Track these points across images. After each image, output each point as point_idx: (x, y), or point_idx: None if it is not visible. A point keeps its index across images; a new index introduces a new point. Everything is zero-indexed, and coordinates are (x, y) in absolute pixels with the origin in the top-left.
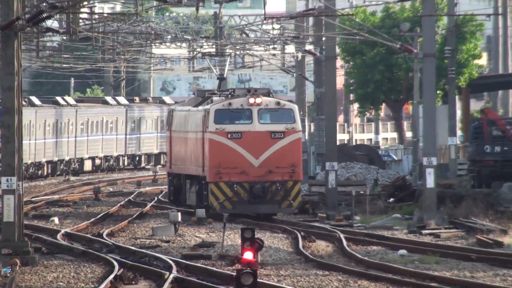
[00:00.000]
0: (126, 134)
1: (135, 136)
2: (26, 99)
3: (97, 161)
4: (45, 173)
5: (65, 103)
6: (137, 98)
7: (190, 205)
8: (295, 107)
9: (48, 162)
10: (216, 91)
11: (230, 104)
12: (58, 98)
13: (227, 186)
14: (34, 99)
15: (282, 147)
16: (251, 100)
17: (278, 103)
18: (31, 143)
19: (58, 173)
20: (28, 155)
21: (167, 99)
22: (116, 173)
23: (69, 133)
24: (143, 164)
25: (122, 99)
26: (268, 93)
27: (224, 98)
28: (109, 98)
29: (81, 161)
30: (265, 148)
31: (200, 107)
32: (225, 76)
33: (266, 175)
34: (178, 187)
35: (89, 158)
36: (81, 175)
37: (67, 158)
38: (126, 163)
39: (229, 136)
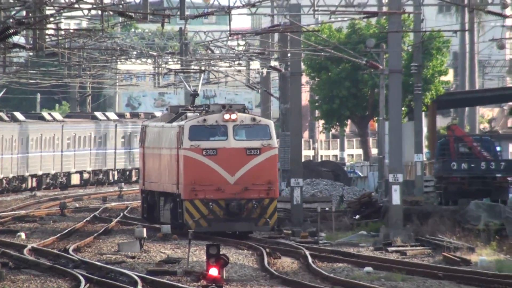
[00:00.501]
0: (115, 149)
1: (125, 151)
2: (9, 115)
3: (85, 175)
4: (30, 186)
5: (51, 119)
6: (128, 114)
7: (164, 223)
8: (271, 123)
9: (31, 176)
10: (190, 107)
11: (205, 120)
12: (45, 114)
13: (203, 203)
14: (18, 114)
15: (258, 164)
16: (226, 116)
17: (254, 119)
18: (13, 157)
19: (44, 186)
20: (10, 169)
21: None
22: (105, 187)
23: (55, 147)
24: (134, 178)
25: (112, 115)
26: (243, 109)
27: (198, 114)
28: (98, 114)
29: (68, 175)
30: (241, 165)
31: (175, 123)
32: (198, 92)
33: (242, 193)
34: (152, 204)
35: (76, 172)
36: (69, 189)
37: (52, 172)
38: (116, 177)
39: (204, 152)
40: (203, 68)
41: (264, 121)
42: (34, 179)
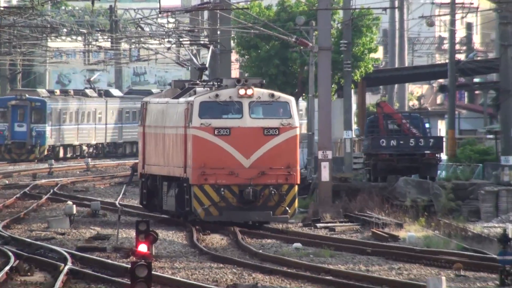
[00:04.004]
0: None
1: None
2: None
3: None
4: None
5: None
6: (57, 91)
7: (168, 210)
8: (292, 100)
9: None
10: (198, 82)
11: (217, 95)
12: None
13: (213, 189)
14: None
15: (276, 145)
16: (242, 92)
17: (272, 95)
18: None
19: None
20: None
21: (90, 91)
22: (35, 164)
23: None
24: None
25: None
26: (260, 83)
27: (208, 89)
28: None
29: None
30: (257, 146)
31: (182, 99)
32: (207, 66)
33: (258, 178)
34: (153, 190)
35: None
36: None
37: None
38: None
39: (215, 132)
40: (133, 46)
41: (283, 97)
42: None
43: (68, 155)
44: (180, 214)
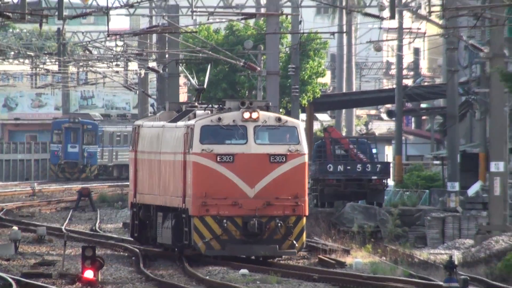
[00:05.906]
0: None
1: None
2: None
3: None
4: None
5: None
6: (114, 115)
7: (163, 243)
8: (300, 124)
9: None
10: (196, 104)
11: (219, 119)
12: None
13: (215, 221)
14: None
15: (283, 173)
16: (246, 115)
17: (279, 119)
18: None
19: None
20: None
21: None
22: None
23: None
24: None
25: None
26: (266, 106)
27: (209, 112)
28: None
29: None
30: (263, 174)
31: (180, 123)
32: (204, 86)
33: (264, 209)
34: (145, 221)
35: None
36: None
37: None
38: None
39: (218, 159)
40: (80, 69)
41: (291, 121)
42: None
43: (124, 175)
44: (177, 247)
